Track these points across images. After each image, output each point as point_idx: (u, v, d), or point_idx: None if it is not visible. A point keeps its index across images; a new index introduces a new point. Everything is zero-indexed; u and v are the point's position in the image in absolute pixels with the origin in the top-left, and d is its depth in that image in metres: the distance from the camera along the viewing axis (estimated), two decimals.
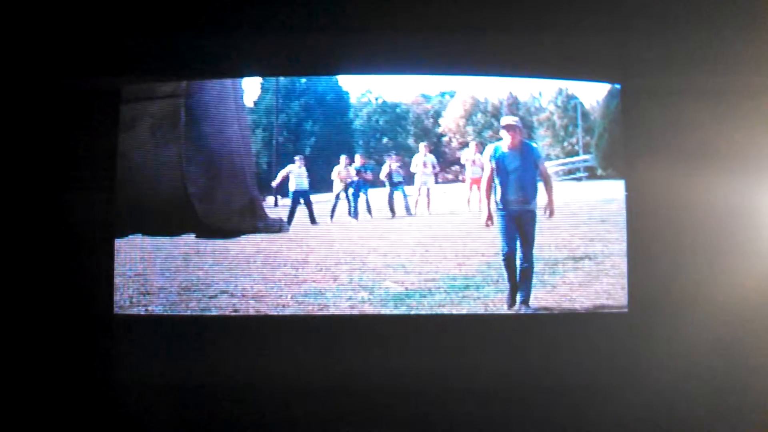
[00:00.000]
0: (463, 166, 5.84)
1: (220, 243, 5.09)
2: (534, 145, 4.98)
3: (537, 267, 4.84)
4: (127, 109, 4.87)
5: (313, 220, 5.69)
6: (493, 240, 4.88)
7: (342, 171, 5.66)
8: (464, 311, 4.75)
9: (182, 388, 4.43)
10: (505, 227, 4.85)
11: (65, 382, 4.40)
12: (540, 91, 5.68)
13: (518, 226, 4.84)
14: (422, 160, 5.84)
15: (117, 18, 4.54)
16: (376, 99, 5.85)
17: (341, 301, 4.81)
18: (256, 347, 4.55)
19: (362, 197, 5.84)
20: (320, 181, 5.68)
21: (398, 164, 5.83)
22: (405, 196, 5.91)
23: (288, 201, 5.66)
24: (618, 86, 4.94)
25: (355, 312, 4.75)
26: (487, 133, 5.77)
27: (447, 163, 5.88)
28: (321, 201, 5.78)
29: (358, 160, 5.73)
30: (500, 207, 4.87)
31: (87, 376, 4.44)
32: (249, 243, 5.19)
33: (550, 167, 5.56)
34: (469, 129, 5.84)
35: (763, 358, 4.46)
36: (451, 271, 4.98)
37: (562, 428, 4.37)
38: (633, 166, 4.74)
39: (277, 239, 5.32)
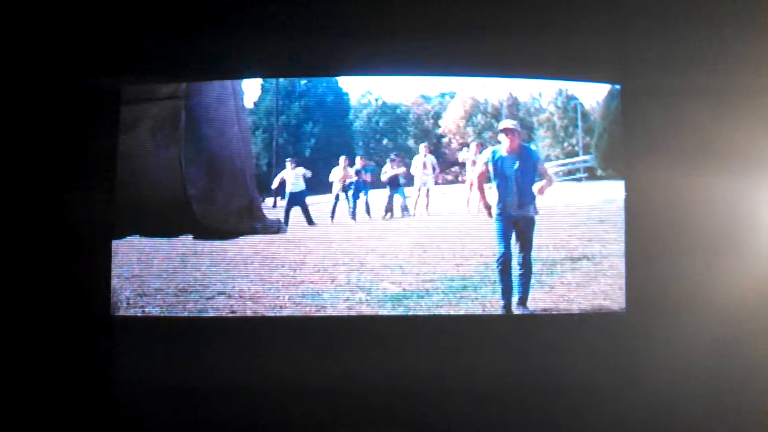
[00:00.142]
0: (462, 167, 5.84)
1: (217, 244, 5.10)
2: (533, 147, 4.97)
3: (535, 267, 4.82)
4: (127, 110, 4.88)
5: (310, 221, 5.69)
6: (491, 241, 4.86)
7: (341, 172, 5.66)
8: (462, 312, 4.75)
9: (179, 389, 4.43)
10: (503, 232, 4.84)
11: (63, 383, 4.41)
12: (540, 92, 5.68)
13: (516, 231, 4.83)
14: (422, 161, 5.83)
15: (117, 19, 4.55)
16: (376, 100, 5.86)
17: (339, 302, 4.80)
18: (253, 348, 4.55)
19: (361, 198, 5.84)
20: (320, 183, 5.69)
21: (400, 168, 5.83)
22: (404, 197, 5.90)
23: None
24: (618, 87, 4.93)
25: (352, 313, 4.75)
26: (487, 134, 5.76)
27: (447, 164, 5.88)
28: (321, 202, 5.78)
29: (359, 161, 5.73)
30: (498, 211, 4.85)
31: (84, 377, 4.44)
32: (247, 244, 5.20)
33: (550, 168, 5.56)
34: (469, 130, 5.84)
35: (761, 358, 4.43)
36: (449, 271, 4.97)
37: (559, 429, 4.37)
38: (632, 167, 4.72)
39: (274, 240, 5.32)
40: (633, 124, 4.75)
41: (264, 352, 4.55)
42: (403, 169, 5.83)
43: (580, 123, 5.52)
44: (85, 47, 4.61)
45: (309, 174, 5.61)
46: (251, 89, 5.57)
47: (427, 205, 5.92)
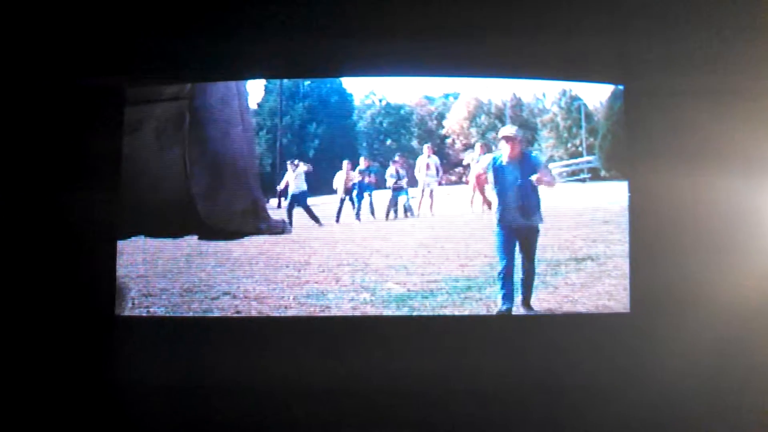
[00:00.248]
0: (467, 168, 5.83)
1: (222, 244, 5.11)
2: (534, 154, 4.96)
3: (539, 268, 4.83)
4: (131, 111, 4.89)
5: (316, 221, 5.69)
6: (495, 241, 4.87)
7: (344, 176, 5.67)
8: (466, 312, 4.75)
9: (184, 389, 4.45)
10: (504, 242, 4.82)
11: (68, 383, 4.42)
12: (543, 93, 5.66)
13: (519, 240, 4.82)
14: (425, 161, 5.82)
15: (121, 20, 4.57)
16: (380, 101, 5.85)
17: (343, 302, 4.81)
18: (258, 348, 4.56)
19: (366, 199, 5.84)
20: (324, 184, 5.69)
21: (403, 170, 5.84)
22: (408, 197, 5.90)
23: None
24: (621, 87, 4.93)
25: (357, 313, 4.76)
26: (491, 135, 5.75)
27: (450, 165, 5.87)
28: (322, 203, 5.78)
29: (362, 162, 5.73)
30: (499, 220, 4.83)
31: (89, 377, 4.46)
32: (251, 244, 5.21)
33: (555, 168, 5.55)
34: (473, 131, 5.83)
35: (764, 358, 4.44)
36: (454, 272, 4.97)
37: (563, 429, 4.37)
38: (636, 168, 4.73)
39: (279, 241, 5.32)
40: (636, 125, 4.77)
41: (269, 352, 4.56)
42: (404, 180, 5.84)
43: (583, 124, 5.51)
44: (89, 48, 4.63)
45: (309, 168, 5.59)
46: (255, 90, 5.56)
47: (431, 205, 5.91)
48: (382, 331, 4.67)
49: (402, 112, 5.88)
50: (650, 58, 4.65)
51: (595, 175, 5.55)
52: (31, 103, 4.62)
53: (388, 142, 5.90)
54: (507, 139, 4.83)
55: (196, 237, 5.12)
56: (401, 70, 5.06)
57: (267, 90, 5.68)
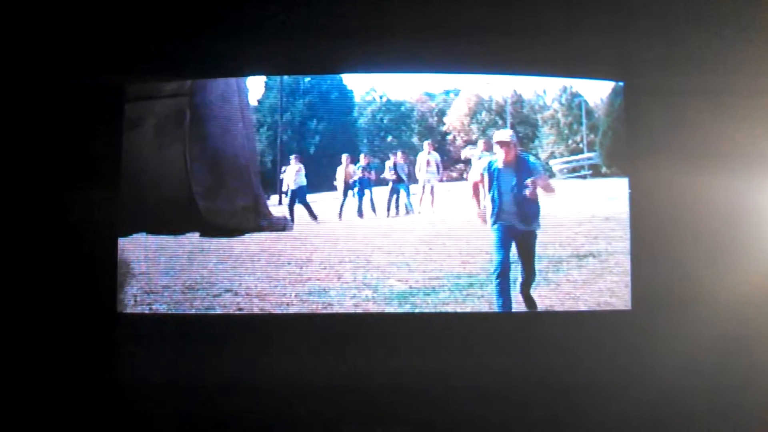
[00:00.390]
0: (468, 164, 5.83)
1: (224, 241, 5.10)
2: (532, 158, 4.92)
3: (541, 265, 4.83)
4: (131, 107, 4.89)
5: (313, 217, 5.68)
6: None
7: (345, 170, 5.66)
8: (468, 309, 4.76)
9: (186, 386, 4.45)
10: (500, 243, 4.79)
11: (70, 380, 4.42)
12: (544, 89, 5.66)
13: (517, 245, 4.80)
14: (426, 158, 5.82)
15: (121, 17, 4.55)
16: (381, 97, 5.84)
17: (345, 299, 4.82)
18: (260, 345, 4.56)
19: (366, 195, 5.84)
20: (325, 180, 5.68)
21: (403, 162, 5.83)
22: (408, 194, 5.90)
23: None
24: (622, 84, 4.93)
25: (359, 310, 4.76)
26: (491, 131, 5.75)
27: (451, 162, 5.87)
28: (326, 200, 5.77)
29: (363, 159, 5.73)
30: (493, 221, 4.81)
31: (91, 374, 4.45)
32: (253, 241, 5.21)
33: (555, 165, 5.55)
34: (474, 127, 5.82)
35: (766, 355, 4.45)
36: (456, 269, 4.97)
37: (565, 426, 4.37)
38: (636, 165, 4.73)
39: (281, 237, 5.31)
40: (636, 122, 4.77)
41: (271, 349, 4.56)
42: (404, 171, 5.83)
43: (584, 120, 5.51)
44: (88, 46, 4.62)
45: (301, 167, 5.58)
46: (255, 86, 5.55)
47: (432, 202, 5.91)
48: (384, 328, 4.67)
49: (402, 108, 5.88)
50: (650, 56, 4.66)
51: (595, 172, 5.55)
52: (31, 100, 4.61)
53: (389, 138, 5.90)
54: (501, 144, 4.79)
55: (197, 234, 5.12)
56: (401, 68, 5.05)
57: (267, 87, 5.67)
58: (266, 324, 4.72)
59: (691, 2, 4.52)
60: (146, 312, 4.70)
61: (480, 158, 5.41)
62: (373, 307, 4.77)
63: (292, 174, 5.57)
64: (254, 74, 5.30)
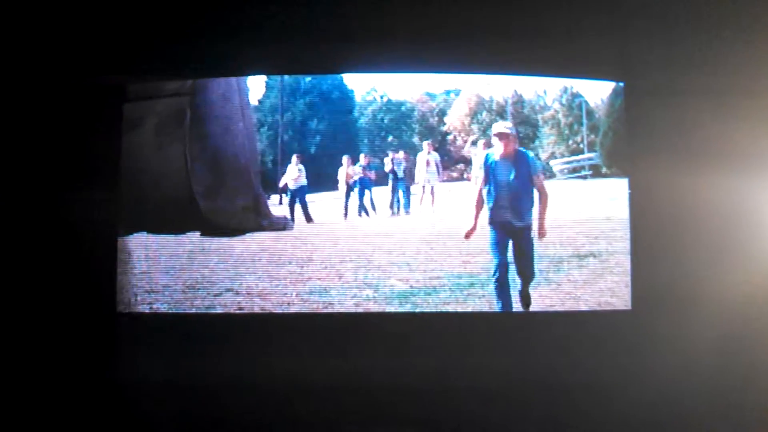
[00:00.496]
0: (468, 164, 5.84)
1: (224, 241, 5.11)
2: (531, 154, 4.85)
3: (542, 265, 4.84)
4: (132, 107, 4.87)
5: (308, 218, 5.68)
6: None
7: (347, 171, 5.67)
8: (469, 309, 4.76)
9: (187, 385, 4.44)
10: (497, 242, 4.74)
11: (71, 380, 4.41)
12: (545, 90, 5.68)
13: (513, 243, 4.73)
14: (425, 158, 5.83)
15: (123, 16, 4.55)
16: (381, 97, 5.86)
17: (346, 299, 4.81)
18: (260, 345, 4.55)
19: (367, 195, 5.85)
20: (325, 180, 5.69)
21: (401, 160, 5.84)
22: (409, 194, 5.91)
23: None
24: (621, 84, 4.94)
25: (360, 310, 4.76)
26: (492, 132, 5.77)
27: (452, 162, 5.88)
28: (326, 199, 5.78)
29: (363, 158, 5.74)
30: (491, 221, 4.76)
31: (92, 373, 4.45)
32: (254, 241, 5.21)
33: (556, 165, 5.56)
34: (474, 127, 5.84)
35: (766, 356, 4.45)
36: (456, 269, 4.97)
37: (565, 426, 4.37)
38: (636, 165, 4.73)
39: (281, 237, 5.32)
40: (636, 123, 4.76)
41: (271, 348, 4.54)
42: (403, 167, 5.84)
43: (584, 121, 5.53)
44: (88, 45, 4.61)
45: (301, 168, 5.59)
46: (256, 86, 5.56)
47: (433, 202, 5.92)
48: (385, 328, 4.66)
49: (403, 108, 5.89)
50: (651, 56, 4.65)
51: (596, 172, 5.57)
52: (30, 99, 4.59)
53: (390, 138, 5.91)
54: (500, 136, 4.70)
55: (198, 233, 5.12)
56: (402, 68, 5.06)
57: (268, 86, 5.68)
58: (267, 323, 4.71)
59: (692, 3, 4.52)
60: (147, 311, 4.69)
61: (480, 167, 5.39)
62: (373, 307, 4.77)
63: (293, 174, 5.57)
64: (255, 74, 5.31)
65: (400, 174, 5.88)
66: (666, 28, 4.59)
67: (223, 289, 4.82)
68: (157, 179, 5.04)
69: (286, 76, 5.62)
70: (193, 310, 4.70)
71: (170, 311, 4.70)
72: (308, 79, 5.73)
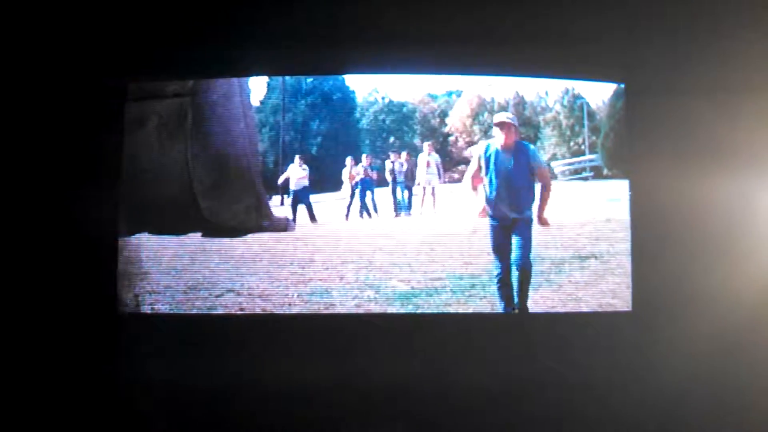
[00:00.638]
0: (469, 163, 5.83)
1: (226, 242, 5.10)
2: (532, 147, 4.88)
3: (543, 266, 4.84)
4: (133, 107, 4.88)
5: (312, 218, 5.68)
6: None
7: (350, 171, 5.67)
8: (470, 310, 4.76)
9: (187, 386, 4.45)
10: (497, 239, 4.77)
11: (72, 380, 4.42)
12: (546, 91, 5.67)
13: (513, 235, 4.75)
14: (426, 159, 5.82)
15: (125, 18, 4.56)
16: (383, 98, 5.85)
17: (347, 299, 4.81)
18: (262, 345, 4.56)
19: (368, 196, 5.85)
20: (327, 181, 5.69)
21: (402, 161, 5.84)
22: (410, 195, 5.90)
23: None
24: (622, 86, 4.94)
25: (361, 311, 4.76)
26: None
27: (454, 163, 5.87)
28: (329, 200, 5.78)
29: (365, 159, 5.73)
30: (490, 215, 4.78)
31: (93, 374, 4.45)
32: (255, 242, 5.20)
33: (557, 166, 5.56)
34: (476, 128, 5.83)
35: (767, 357, 4.45)
36: (458, 270, 4.96)
37: (566, 427, 4.37)
38: (638, 166, 4.73)
39: (283, 238, 5.31)
40: (637, 124, 4.76)
41: (273, 349, 4.56)
42: (404, 168, 5.84)
43: (586, 122, 5.52)
44: (91, 45, 4.61)
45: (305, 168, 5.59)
46: (258, 87, 5.56)
47: (434, 203, 5.91)
48: (386, 328, 4.66)
49: (405, 109, 5.89)
50: (652, 57, 4.65)
51: (597, 174, 5.56)
52: (32, 99, 4.60)
53: (391, 139, 5.91)
54: (501, 125, 4.71)
55: (199, 234, 5.13)
56: (404, 70, 5.07)
57: (269, 87, 5.67)
58: (268, 324, 4.71)
59: (692, 3, 4.52)
60: (148, 312, 4.70)
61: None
62: (375, 308, 4.77)
63: (297, 174, 5.57)
64: (257, 75, 5.31)
65: (400, 177, 5.87)
66: (667, 29, 4.59)
67: (224, 290, 4.82)
68: (158, 179, 5.04)
69: (287, 77, 5.61)
70: (195, 311, 4.71)
71: (172, 312, 4.70)
72: (310, 80, 5.72)
